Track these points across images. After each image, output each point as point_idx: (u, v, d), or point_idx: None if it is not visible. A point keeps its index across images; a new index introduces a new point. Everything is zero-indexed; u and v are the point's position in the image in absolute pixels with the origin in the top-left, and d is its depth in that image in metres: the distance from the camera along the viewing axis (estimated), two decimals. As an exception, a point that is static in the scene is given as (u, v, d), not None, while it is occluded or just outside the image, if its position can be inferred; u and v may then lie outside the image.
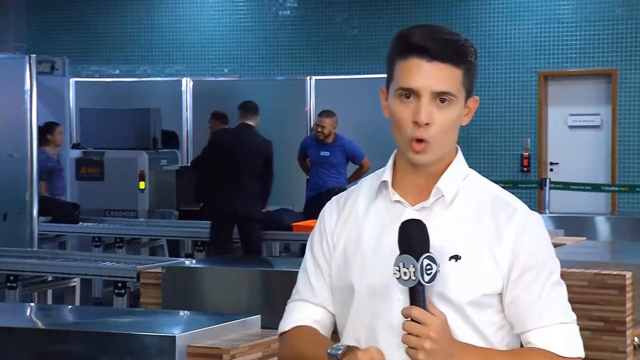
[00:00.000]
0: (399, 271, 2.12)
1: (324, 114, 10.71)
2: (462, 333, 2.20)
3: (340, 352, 2.18)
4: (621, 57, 13.02)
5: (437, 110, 2.21)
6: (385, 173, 2.32)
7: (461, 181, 2.29)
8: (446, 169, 2.29)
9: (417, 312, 2.11)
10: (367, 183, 2.39)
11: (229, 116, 11.28)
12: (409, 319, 2.11)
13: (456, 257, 2.16)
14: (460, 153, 2.34)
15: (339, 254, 2.34)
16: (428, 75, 2.20)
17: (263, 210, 9.80)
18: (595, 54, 13.14)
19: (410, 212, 2.26)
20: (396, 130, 2.26)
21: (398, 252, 2.18)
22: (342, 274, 2.33)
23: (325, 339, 2.33)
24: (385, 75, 2.31)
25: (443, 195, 2.26)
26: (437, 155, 2.25)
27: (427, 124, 2.20)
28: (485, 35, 13.56)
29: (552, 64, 13.31)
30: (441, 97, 2.22)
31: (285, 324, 2.39)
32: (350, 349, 2.19)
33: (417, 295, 2.13)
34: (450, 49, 2.21)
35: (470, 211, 2.27)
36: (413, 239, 2.13)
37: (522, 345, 2.30)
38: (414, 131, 2.22)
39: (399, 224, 2.22)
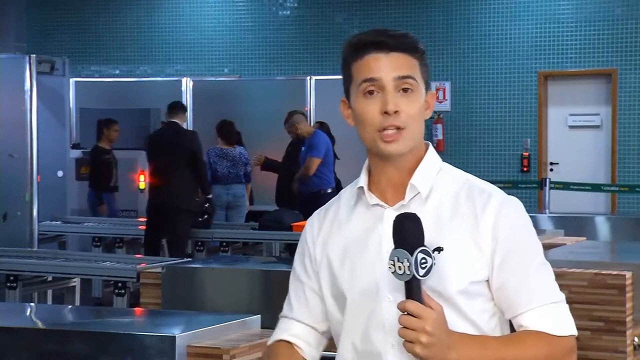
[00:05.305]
0: (394, 265, 2.13)
1: (289, 115, 10.84)
2: (456, 324, 2.21)
3: None
4: (621, 57, 13.02)
5: (402, 100, 2.27)
6: (361, 179, 2.36)
7: (435, 175, 2.33)
8: (418, 164, 2.32)
9: (412, 305, 2.12)
10: (347, 192, 2.42)
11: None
12: (405, 312, 2.12)
13: (439, 249, 2.16)
14: (431, 147, 2.38)
15: (325, 265, 2.37)
16: (388, 64, 2.27)
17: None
18: (595, 54, 13.13)
19: (390, 212, 2.29)
20: (362, 128, 2.30)
21: (386, 250, 2.20)
22: (333, 282, 2.36)
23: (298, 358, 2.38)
24: None
25: (419, 192, 2.29)
26: (408, 145, 2.29)
27: (396, 112, 2.25)
28: (485, 35, 13.56)
29: (552, 64, 13.31)
30: (404, 87, 2.27)
31: (270, 339, 2.47)
32: None
33: (412, 289, 2.13)
34: (404, 41, 2.30)
35: (447, 203, 2.30)
36: (407, 233, 2.14)
37: (513, 330, 2.32)
38: (384, 121, 2.26)
39: (382, 226, 2.27)
